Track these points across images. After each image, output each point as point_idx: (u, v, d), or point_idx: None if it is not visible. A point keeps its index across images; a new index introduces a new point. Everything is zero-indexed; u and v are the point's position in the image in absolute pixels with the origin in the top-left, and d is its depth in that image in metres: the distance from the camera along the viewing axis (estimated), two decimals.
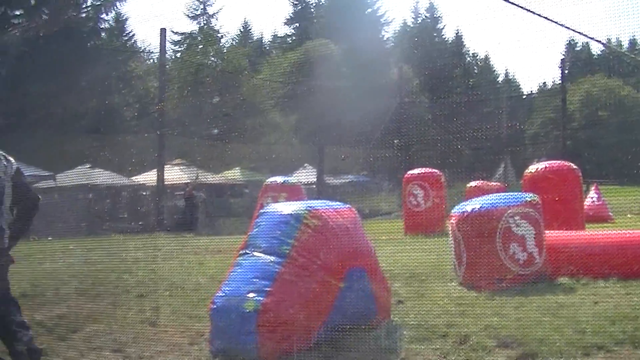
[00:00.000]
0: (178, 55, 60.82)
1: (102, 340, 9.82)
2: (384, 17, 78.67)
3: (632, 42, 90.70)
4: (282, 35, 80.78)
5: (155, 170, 34.22)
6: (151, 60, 56.74)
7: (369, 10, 77.02)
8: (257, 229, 9.32)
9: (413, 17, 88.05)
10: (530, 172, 20.74)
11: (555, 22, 7.88)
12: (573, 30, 7.84)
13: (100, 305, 12.11)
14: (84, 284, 14.13)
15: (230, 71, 51.15)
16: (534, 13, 7.90)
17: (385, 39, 79.64)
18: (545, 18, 7.95)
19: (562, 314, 9.77)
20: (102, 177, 34.34)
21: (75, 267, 16.38)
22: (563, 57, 67.48)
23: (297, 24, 78.85)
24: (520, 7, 8.12)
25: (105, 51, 51.55)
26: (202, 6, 73.62)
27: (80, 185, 34.07)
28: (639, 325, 8.81)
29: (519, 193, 15.54)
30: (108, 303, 12.28)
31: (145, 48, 62.30)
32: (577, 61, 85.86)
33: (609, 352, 8.00)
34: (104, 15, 53.61)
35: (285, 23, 79.77)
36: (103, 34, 55.76)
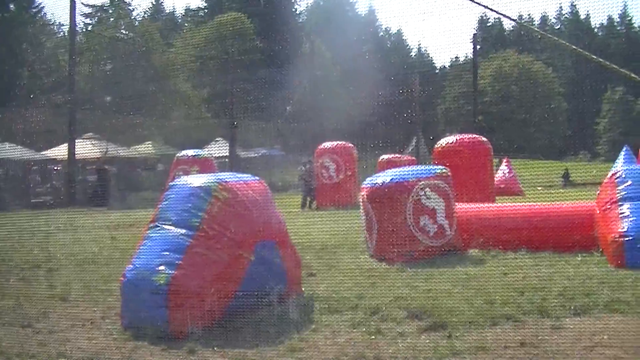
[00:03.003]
0: (89, 28, 59.72)
1: (12, 316, 9.73)
2: None
3: (544, 18, 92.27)
4: (195, 8, 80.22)
5: (66, 144, 33.76)
6: (61, 34, 55.80)
7: None
8: (167, 202, 9.30)
9: None
10: (441, 145, 20.96)
11: None
12: (483, 6, 7.89)
13: (10, 281, 11.98)
14: None
15: (142, 45, 50.51)
16: None
17: (298, 12, 79.64)
18: None
19: (472, 285, 9.99)
20: (12, 151, 33.65)
21: None
22: (475, 32, 68.10)
23: None
24: None
25: (14, 23, 50.61)
26: None
27: None
28: (546, 296, 9.06)
29: (430, 166, 15.73)
30: (18, 279, 12.15)
31: (55, 20, 61.24)
32: (489, 37, 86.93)
33: (517, 322, 8.21)
34: None
35: None
36: (12, 6, 54.59)
